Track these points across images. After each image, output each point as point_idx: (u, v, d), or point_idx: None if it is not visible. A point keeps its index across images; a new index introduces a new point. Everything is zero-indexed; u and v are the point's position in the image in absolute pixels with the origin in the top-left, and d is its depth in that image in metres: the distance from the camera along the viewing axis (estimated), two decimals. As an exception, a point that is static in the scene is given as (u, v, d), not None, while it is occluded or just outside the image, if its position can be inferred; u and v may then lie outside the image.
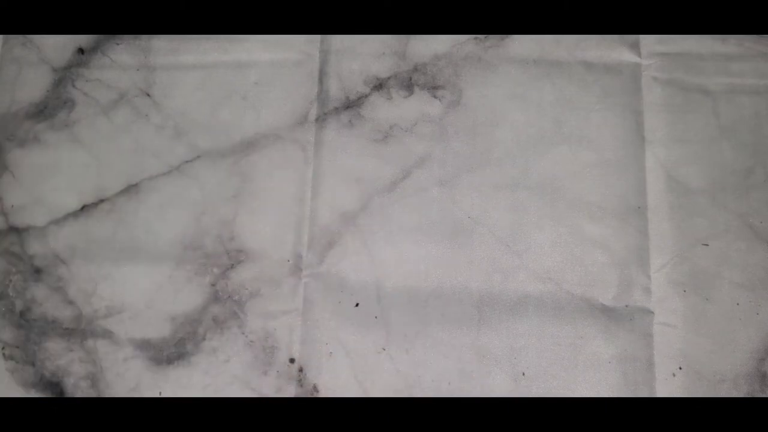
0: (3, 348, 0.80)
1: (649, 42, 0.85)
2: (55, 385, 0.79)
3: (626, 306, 0.78)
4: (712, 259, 0.79)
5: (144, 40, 0.88)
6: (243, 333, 0.79)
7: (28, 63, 0.88)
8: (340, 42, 0.86)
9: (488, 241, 0.80)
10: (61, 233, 0.82)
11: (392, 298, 0.79)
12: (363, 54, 0.86)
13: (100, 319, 0.80)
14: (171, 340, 0.79)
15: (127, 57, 0.88)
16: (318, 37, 0.87)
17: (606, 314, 0.78)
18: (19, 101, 0.87)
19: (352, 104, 0.85)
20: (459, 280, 0.79)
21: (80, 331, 0.80)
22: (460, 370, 0.77)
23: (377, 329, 0.78)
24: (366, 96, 0.85)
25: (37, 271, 0.82)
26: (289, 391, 0.77)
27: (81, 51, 0.88)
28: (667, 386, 0.76)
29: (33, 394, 0.79)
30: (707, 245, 0.79)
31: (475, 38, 0.86)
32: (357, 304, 0.79)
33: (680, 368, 0.76)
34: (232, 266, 0.81)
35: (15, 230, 0.83)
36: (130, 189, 0.84)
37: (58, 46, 0.88)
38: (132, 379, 0.79)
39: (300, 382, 0.78)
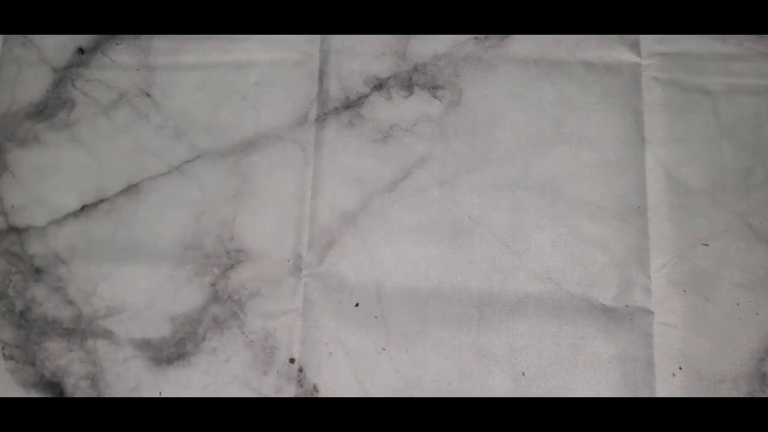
0: (3, 348, 0.80)
1: (649, 42, 0.85)
2: (55, 385, 0.79)
3: (626, 306, 0.78)
4: (712, 259, 0.79)
5: (144, 40, 0.88)
6: (243, 333, 0.79)
7: (28, 63, 0.88)
8: (340, 42, 0.86)
9: (488, 241, 0.80)
10: (61, 233, 0.82)
11: (392, 298, 0.79)
12: (363, 54, 0.86)
13: (100, 319, 0.80)
14: (171, 340, 0.79)
15: (127, 57, 0.88)
16: (318, 37, 0.87)
17: (606, 314, 0.78)
18: (19, 101, 0.87)
19: (352, 104, 0.85)
20: (459, 280, 0.79)
21: (80, 331, 0.80)
22: (460, 370, 0.77)
23: (377, 329, 0.78)
24: (366, 96, 0.85)
25: (37, 271, 0.82)
26: (289, 391, 0.77)
27: (81, 51, 0.88)
28: (667, 386, 0.76)
29: (33, 394, 0.79)
30: (707, 245, 0.79)
31: (475, 38, 0.86)
32: (357, 304, 0.79)
33: (680, 368, 0.76)
34: (232, 266, 0.81)
35: (15, 230, 0.83)
36: (130, 189, 0.84)
37: (58, 46, 0.88)
38: (132, 379, 0.79)
39: (300, 382, 0.78)
